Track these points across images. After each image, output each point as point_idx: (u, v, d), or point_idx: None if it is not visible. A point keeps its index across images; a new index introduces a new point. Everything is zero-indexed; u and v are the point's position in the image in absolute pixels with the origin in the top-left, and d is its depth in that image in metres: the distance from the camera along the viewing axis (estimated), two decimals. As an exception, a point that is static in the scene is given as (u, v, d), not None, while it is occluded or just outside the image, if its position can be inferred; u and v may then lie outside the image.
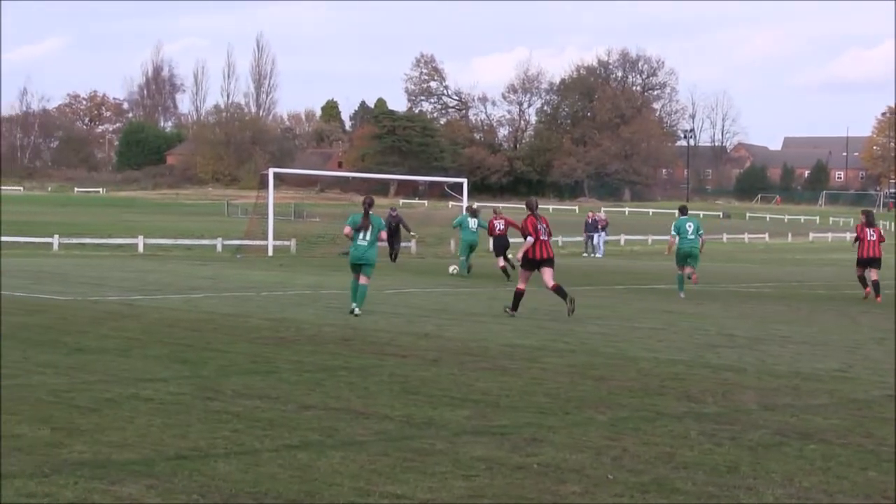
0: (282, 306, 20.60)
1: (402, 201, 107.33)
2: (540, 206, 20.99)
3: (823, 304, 24.39)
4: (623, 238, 64.34)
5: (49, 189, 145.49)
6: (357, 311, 19.22)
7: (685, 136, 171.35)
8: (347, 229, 19.99)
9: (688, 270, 26.44)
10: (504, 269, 31.54)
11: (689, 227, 26.49)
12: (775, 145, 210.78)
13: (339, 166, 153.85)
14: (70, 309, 19.20)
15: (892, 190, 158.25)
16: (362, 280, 19.63)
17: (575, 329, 17.66)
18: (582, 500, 7.28)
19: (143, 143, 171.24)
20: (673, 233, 26.73)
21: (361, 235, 19.80)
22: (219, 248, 47.96)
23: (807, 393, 11.72)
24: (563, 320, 19.05)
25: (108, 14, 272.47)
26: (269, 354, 13.76)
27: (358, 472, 7.73)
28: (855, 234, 27.30)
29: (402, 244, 44.73)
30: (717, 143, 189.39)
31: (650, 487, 7.57)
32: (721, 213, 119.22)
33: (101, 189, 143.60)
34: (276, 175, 50.17)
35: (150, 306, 20.03)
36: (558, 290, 19.85)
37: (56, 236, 46.05)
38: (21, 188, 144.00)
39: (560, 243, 62.29)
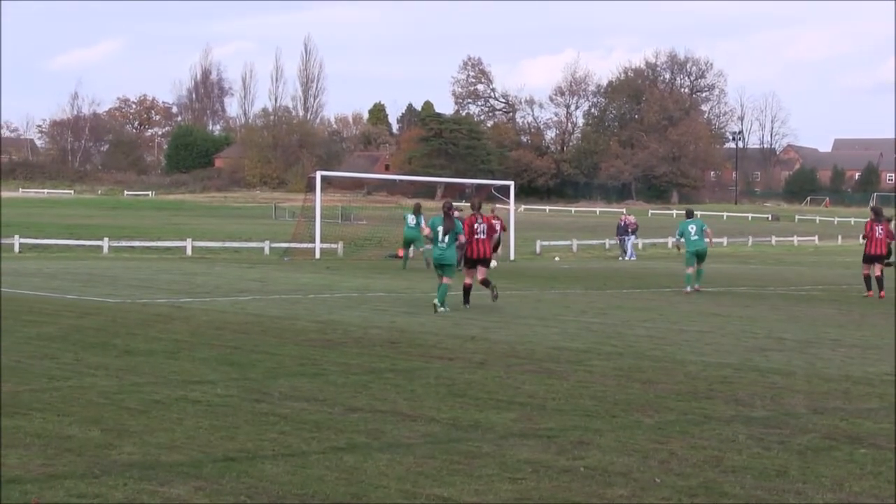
0: (329, 309, 20.66)
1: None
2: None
3: (874, 308, 24.16)
4: (670, 241, 64.06)
5: (99, 192, 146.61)
6: (441, 309, 20.49)
7: (734, 139, 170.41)
8: (427, 230, 21.77)
9: (691, 271, 28.38)
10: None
11: (692, 228, 28.79)
12: (825, 147, 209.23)
13: (386, 169, 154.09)
14: (120, 311, 19.35)
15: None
16: (445, 280, 21.02)
17: (622, 332, 17.61)
18: (629, 503, 7.26)
19: (191, 147, 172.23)
20: (678, 236, 29.22)
21: (441, 238, 21.25)
22: (266, 250, 48.16)
23: (857, 397, 11.62)
24: (610, 323, 19.02)
25: (158, 17, 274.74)
26: (317, 357, 13.80)
27: (405, 475, 7.74)
28: (863, 232, 28.17)
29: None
30: (765, 146, 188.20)
31: (698, 491, 7.53)
32: (770, 216, 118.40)
33: (150, 192, 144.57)
34: (323, 178, 50.26)
35: (198, 309, 20.15)
36: (485, 282, 22.06)
37: (106, 239, 46.40)
38: (72, 191, 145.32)
39: (607, 246, 62.19)
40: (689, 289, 27.91)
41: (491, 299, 21.93)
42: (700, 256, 28.50)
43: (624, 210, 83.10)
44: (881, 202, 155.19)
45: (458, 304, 21.53)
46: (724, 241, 65.51)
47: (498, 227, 36.21)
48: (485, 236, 22.15)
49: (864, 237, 27.90)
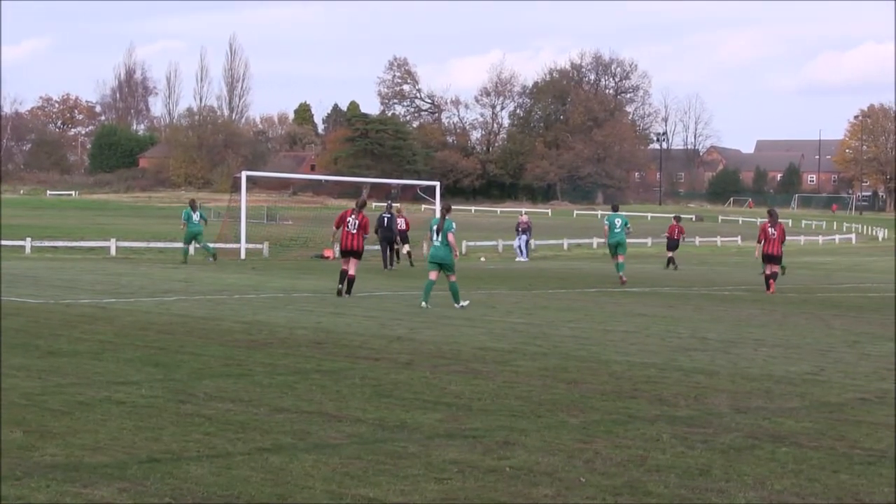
0: (254, 309, 20.57)
1: (374, 204, 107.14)
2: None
3: (796, 308, 24.49)
4: (595, 241, 64.48)
5: (21, 192, 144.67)
6: (459, 305, 21.99)
7: (658, 140, 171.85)
8: (429, 234, 23.30)
9: (621, 259, 32.01)
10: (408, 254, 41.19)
11: (618, 221, 32.50)
12: (748, 149, 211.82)
13: (312, 169, 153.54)
14: (43, 312, 19.12)
15: (864, 193, 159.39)
16: (432, 275, 22.43)
17: (548, 332, 17.69)
18: (554, 503, 7.30)
19: (115, 146, 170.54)
20: (606, 224, 32.84)
21: (436, 237, 22.64)
22: (192, 250, 47.82)
23: (779, 396, 11.78)
24: (536, 324, 19.11)
25: (82, 15, 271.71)
26: (242, 357, 13.74)
27: (330, 475, 7.73)
28: (759, 234, 30.09)
29: (370, 248, 44.55)
30: (689, 147, 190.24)
31: (622, 490, 7.59)
32: (694, 216, 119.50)
33: (73, 192, 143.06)
34: (248, 178, 49.97)
35: (122, 309, 19.97)
36: (351, 279, 24.34)
37: (28, 239, 45.78)
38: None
39: (533, 246, 62.40)
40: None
41: (337, 293, 24.24)
42: (620, 246, 32.11)
43: (549, 211, 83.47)
44: (803, 203, 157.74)
45: (444, 302, 21.73)
46: (649, 241, 66.00)
47: (404, 226, 41.77)
48: (356, 231, 24.66)
49: (760, 239, 29.76)
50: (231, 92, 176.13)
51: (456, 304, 22.08)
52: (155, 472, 7.67)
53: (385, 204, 44.20)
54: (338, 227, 25.06)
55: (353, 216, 24.78)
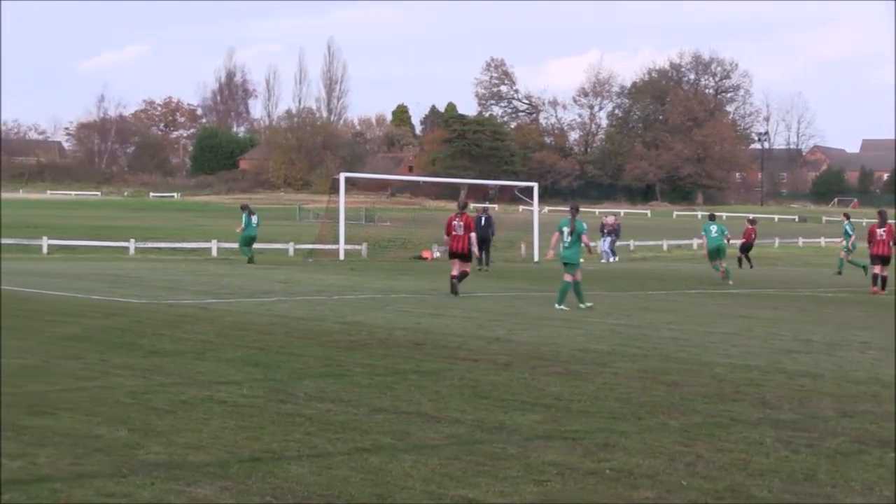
0: (353, 310, 20.69)
1: (472, 205, 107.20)
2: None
3: (901, 310, 24.01)
4: (695, 242, 63.89)
5: (125, 194, 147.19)
6: (559, 306, 21.92)
7: (759, 139, 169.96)
8: (556, 234, 23.14)
9: (723, 265, 33.34)
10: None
11: (713, 228, 33.73)
12: (853, 148, 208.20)
13: (410, 170, 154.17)
14: (146, 312, 19.41)
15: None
16: (567, 277, 22.45)
17: (647, 334, 17.56)
18: (655, 505, 7.24)
19: (216, 149, 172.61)
20: (703, 233, 34.55)
21: (566, 238, 22.82)
22: (291, 252, 48.29)
23: (887, 400, 11.54)
24: (635, 325, 18.98)
25: (183, 19, 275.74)
26: (341, 358, 13.81)
27: (429, 476, 7.74)
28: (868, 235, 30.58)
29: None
30: (792, 146, 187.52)
31: (724, 494, 7.50)
32: (797, 217, 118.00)
33: (175, 193, 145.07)
34: (347, 179, 50.33)
35: (223, 310, 20.20)
36: (464, 273, 24.95)
37: (132, 240, 46.62)
38: (99, 193, 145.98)
39: (632, 247, 62.06)
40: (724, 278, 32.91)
41: (451, 290, 24.65)
42: (720, 251, 33.57)
43: (649, 212, 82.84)
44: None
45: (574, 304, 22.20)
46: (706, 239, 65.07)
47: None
48: (463, 233, 25.16)
49: (869, 240, 30.20)
50: (329, 94, 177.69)
51: (556, 305, 22.02)
52: (256, 471, 7.74)
53: (482, 205, 44.72)
54: (448, 234, 25.60)
55: (457, 219, 25.39)
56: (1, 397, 10.35)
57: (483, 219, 40.61)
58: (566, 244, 22.92)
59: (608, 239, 51.51)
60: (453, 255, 25.35)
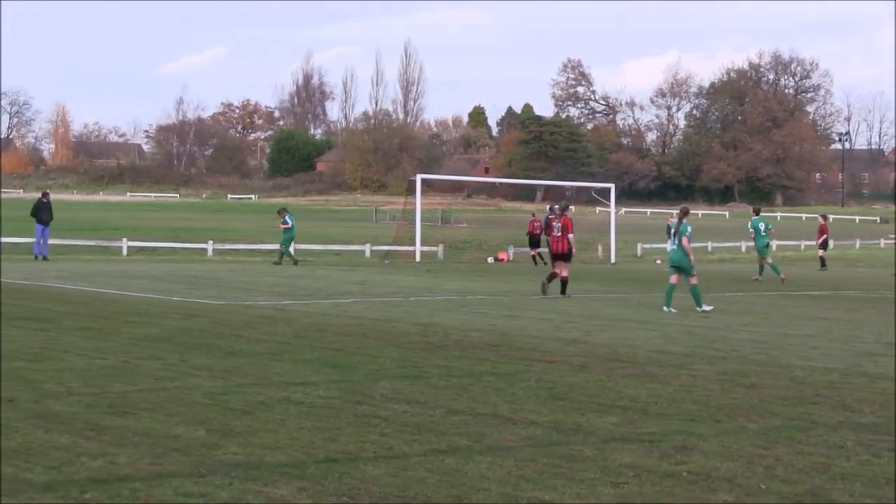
0: (429, 311, 20.73)
1: (548, 207, 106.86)
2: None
3: None
4: (776, 244, 63.27)
5: (203, 196, 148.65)
6: (701, 309, 21.82)
7: (840, 140, 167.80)
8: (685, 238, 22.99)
9: (770, 260, 34.34)
10: (534, 258, 44.24)
11: (762, 226, 34.48)
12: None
13: (486, 172, 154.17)
14: (224, 313, 19.59)
15: None
16: (672, 279, 22.54)
17: (725, 336, 17.42)
18: (734, 509, 7.17)
19: (293, 151, 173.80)
20: (751, 230, 34.77)
21: (672, 240, 23.18)
22: (367, 253, 48.49)
23: (969, 403, 11.34)
24: (713, 327, 18.84)
25: (261, 22, 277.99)
26: (417, 359, 13.84)
27: (506, 478, 7.73)
28: None
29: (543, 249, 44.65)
30: (874, 146, 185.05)
31: (804, 498, 7.42)
32: (878, 218, 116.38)
33: (253, 195, 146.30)
34: (423, 181, 50.47)
35: (300, 311, 20.33)
36: (564, 280, 25.41)
37: (210, 242, 47.10)
38: (177, 195, 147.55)
39: (709, 249, 61.56)
40: (758, 277, 33.98)
41: (542, 290, 25.19)
42: (767, 249, 34.86)
43: (727, 213, 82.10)
44: None
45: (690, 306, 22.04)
46: (831, 243, 64.43)
47: (538, 229, 43.24)
48: (561, 234, 25.64)
49: None
50: (406, 95, 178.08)
51: (698, 308, 21.86)
52: (333, 471, 7.78)
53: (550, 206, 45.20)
54: (548, 234, 26.35)
55: (556, 221, 25.88)
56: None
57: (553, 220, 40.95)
58: (674, 247, 23.06)
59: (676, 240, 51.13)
60: (555, 256, 25.91)
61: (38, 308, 19.52)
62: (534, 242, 45.03)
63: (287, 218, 39.95)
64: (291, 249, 40.30)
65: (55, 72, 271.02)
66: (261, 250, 47.56)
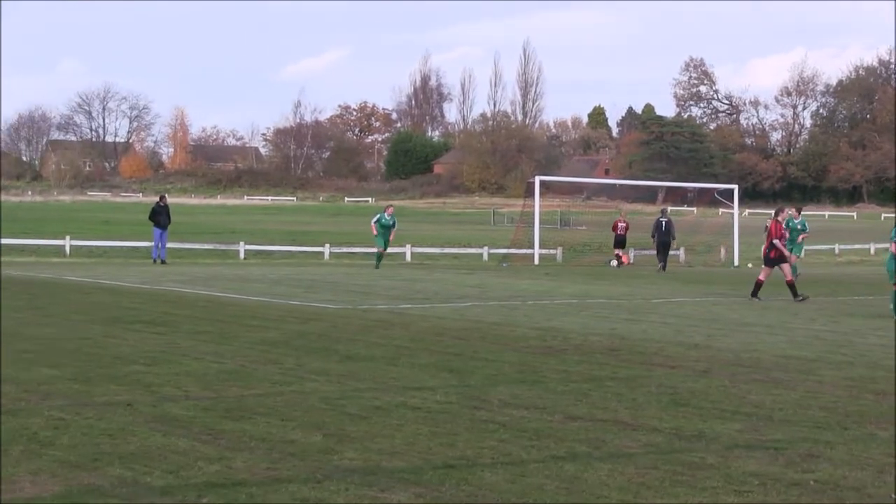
0: (548, 315, 20.67)
1: (669, 208, 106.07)
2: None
3: None
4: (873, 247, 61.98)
5: (321, 199, 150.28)
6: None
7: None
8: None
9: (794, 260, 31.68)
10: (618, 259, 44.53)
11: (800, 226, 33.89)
12: None
13: (606, 173, 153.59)
14: (341, 317, 19.74)
15: None
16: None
17: (853, 341, 17.09)
18: (863, 520, 7.03)
19: (410, 153, 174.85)
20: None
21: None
22: (485, 256, 48.56)
23: None
24: (841, 332, 18.51)
25: (379, 25, 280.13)
26: (536, 364, 13.81)
27: (626, 485, 7.67)
28: None
29: (671, 252, 44.36)
30: None
31: (937, 509, 7.24)
32: None
33: (370, 198, 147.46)
34: (542, 183, 50.42)
35: (417, 315, 20.40)
36: (789, 283, 26.06)
37: (327, 245, 47.57)
38: (294, 198, 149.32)
39: (836, 251, 60.50)
40: None
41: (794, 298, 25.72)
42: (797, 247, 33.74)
43: (854, 214, 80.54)
44: None
45: None
46: (872, 248, 62.80)
47: (622, 230, 44.79)
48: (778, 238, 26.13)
49: None
50: (525, 96, 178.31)
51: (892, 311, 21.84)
52: (450, 477, 7.78)
53: (660, 208, 45.63)
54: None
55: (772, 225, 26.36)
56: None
57: (663, 223, 41.47)
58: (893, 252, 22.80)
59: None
60: (768, 261, 26.38)
61: (156, 311, 19.86)
62: (619, 243, 45.14)
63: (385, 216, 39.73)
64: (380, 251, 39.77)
65: (175, 75, 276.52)
66: (373, 253, 47.83)
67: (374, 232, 39.32)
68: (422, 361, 13.83)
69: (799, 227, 33.54)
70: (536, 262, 44.37)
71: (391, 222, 39.57)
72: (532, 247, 45.79)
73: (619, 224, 45.04)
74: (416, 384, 12.00)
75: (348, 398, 11.01)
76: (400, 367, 13.29)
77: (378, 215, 39.94)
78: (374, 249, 40.02)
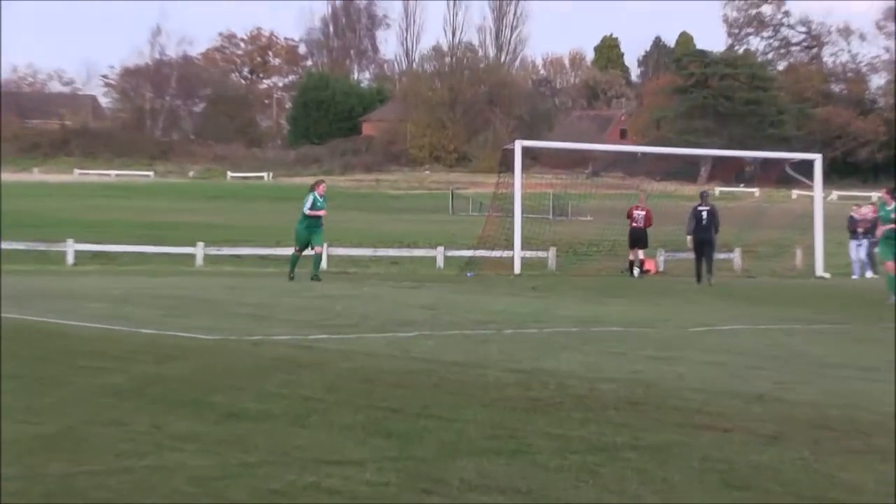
0: (535, 351, 20.65)
1: (718, 190, 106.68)
2: None
3: None
4: None
5: (191, 174, 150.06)
6: None
7: None
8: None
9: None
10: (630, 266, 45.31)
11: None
12: None
13: (622, 137, 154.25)
14: (221, 353, 19.63)
15: None
16: None
17: None
18: None
19: (327, 105, 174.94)
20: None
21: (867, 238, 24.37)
22: (439, 261, 48.53)
23: None
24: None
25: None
26: (517, 425, 13.79)
27: None
28: None
29: (720, 255, 44.50)
30: None
31: None
32: None
33: (265, 174, 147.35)
34: (526, 151, 50.39)
35: (337, 350, 20.33)
36: None
37: (200, 245, 47.38)
38: (151, 173, 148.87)
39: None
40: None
41: None
42: None
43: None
44: None
45: None
46: None
47: (642, 221, 45.80)
48: None
49: None
50: (499, 21, 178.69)
51: None
52: None
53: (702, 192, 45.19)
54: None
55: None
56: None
57: (703, 213, 41.13)
58: None
59: (864, 242, 48.60)
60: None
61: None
62: (636, 240, 45.90)
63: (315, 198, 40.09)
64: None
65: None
66: (277, 257, 47.75)
67: (323, 213, 39.51)
68: (343, 421, 13.78)
69: (894, 215, 33.65)
70: (518, 269, 44.41)
71: (322, 206, 39.82)
72: (511, 247, 45.79)
73: (636, 212, 45.16)
74: (335, 456, 11.95)
75: (231, 478, 10.94)
76: (310, 430, 13.24)
77: (310, 197, 39.71)
78: (291, 250, 40.42)
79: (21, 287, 32.67)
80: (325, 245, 40.23)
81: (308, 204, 39.58)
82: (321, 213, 39.56)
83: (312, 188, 40.40)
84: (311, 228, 39.12)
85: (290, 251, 43.90)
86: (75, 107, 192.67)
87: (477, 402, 15.35)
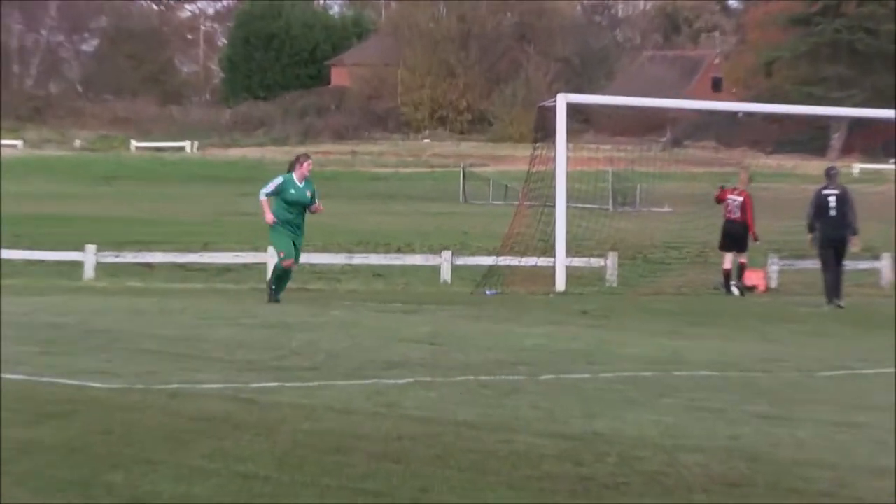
0: (586, 405, 20.65)
1: (857, 167, 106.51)
2: None
3: None
4: None
5: (78, 143, 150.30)
6: None
7: None
8: None
9: None
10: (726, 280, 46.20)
11: None
12: None
13: (715, 89, 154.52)
14: (121, 410, 19.61)
15: None
16: None
17: None
18: None
19: (279, 43, 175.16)
20: None
21: None
22: (445, 272, 48.48)
23: None
24: None
25: None
26: (558, 512, 13.80)
27: None
28: None
29: (860, 264, 44.54)
30: None
31: None
32: None
33: (188, 143, 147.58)
34: (573, 109, 50.38)
35: (293, 404, 20.32)
36: None
37: (90, 248, 47.40)
38: (19, 141, 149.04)
39: None
40: None
41: None
42: None
43: None
44: None
45: None
46: None
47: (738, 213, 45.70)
48: None
49: None
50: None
51: None
52: None
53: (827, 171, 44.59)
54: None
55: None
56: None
57: (831, 200, 40.57)
58: None
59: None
60: None
61: None
62: (732, 240, 45.71)
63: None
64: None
65: None
66: (206, 266, 47.83)
67: (270, 219, 38.98)
68: (302, 509, 13.78)
69: None
70: (561, 285, 44.47)
71: (308, 196, 39.11)
72: (551, 252, 45.84)
73: (730, 198, 44.93)
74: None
75: None
76: (255, 525, 13.24)
77: (279, 181, 39.30)
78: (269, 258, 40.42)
79: None
80: (298, 257, 39.69)
81: (269, 188, 38.87)
82: (319, 208, 39.16)
83: (291, 168, 39.77)
84: (288, 227, 38.64)
85: (222, 257, 44.08)
86: None
87: (501, 482, 15.34)
